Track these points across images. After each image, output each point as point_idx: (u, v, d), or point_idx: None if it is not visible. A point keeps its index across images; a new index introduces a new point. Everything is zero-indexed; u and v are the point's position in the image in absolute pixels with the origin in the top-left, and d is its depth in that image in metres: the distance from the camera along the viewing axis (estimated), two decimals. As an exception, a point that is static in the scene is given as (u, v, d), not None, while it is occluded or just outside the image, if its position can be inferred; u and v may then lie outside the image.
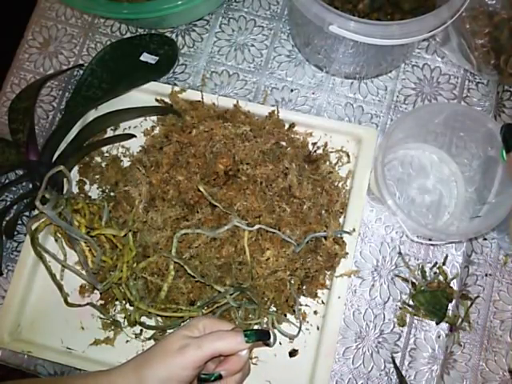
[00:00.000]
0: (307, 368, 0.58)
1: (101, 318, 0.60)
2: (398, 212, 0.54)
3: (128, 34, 0.74)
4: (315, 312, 0.60)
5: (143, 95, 0.67)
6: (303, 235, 0.58)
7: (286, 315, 0.59)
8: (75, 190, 0.64)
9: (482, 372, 0.60)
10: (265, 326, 0.57)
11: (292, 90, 0.70)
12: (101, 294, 0.60)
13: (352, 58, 0.63)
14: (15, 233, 0.66)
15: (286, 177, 0.59)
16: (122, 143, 0.66)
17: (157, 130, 0.66)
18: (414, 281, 0.62)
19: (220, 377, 0.44)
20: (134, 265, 0.58)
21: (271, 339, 0.46)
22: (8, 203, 0.67)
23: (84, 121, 0.66)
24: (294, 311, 0.58)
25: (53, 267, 0.60)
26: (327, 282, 0.60)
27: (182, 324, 0.59)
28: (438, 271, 0.62)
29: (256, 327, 0.57)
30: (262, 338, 0.45)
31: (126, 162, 0.65)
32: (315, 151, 0.65)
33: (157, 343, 0.45)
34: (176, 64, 0.71)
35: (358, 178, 0.62)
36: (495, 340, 0.60)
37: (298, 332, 0.58)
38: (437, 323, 0.60)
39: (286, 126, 0.65)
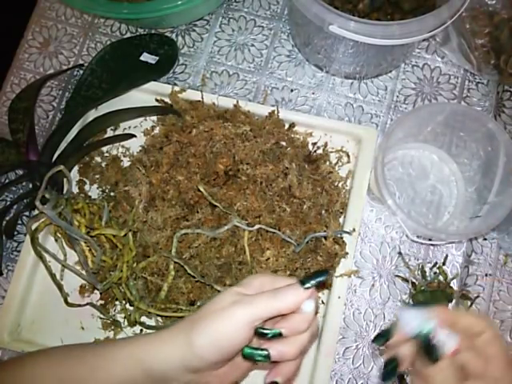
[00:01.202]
0: (307, 368, 0.58)
1: (101, 318, 0.60)
2: (398, 212, 0.54)
3: (128, 34, 0.74)
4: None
5: (143, 95, 0.67)
6: (303, 235, 0.58)
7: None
8: (75, 190, 0.64)
9: (482, 372, 0.60)
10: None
11: (292, 90, 0.70)
12: (101, 294, 0.60)
13: (352, 58, 0.63)
14: (15, 233, 0.66)
15: (286, 177, 0.59)
16: (122, 143, 0.66)
17: (157, 130, 0.66)
18: (413, 281, 0.62)
19: (280, 335, 0.38)
20: (134, 265, 0.58)
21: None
22: (8, 203, 0.67)
23: (84, 121, 0.66)
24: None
25: (53, 267, 0.60)
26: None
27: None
28: (438, 271, 0.62)
29: None
30: (319, 278, 0.39)
31: (126, 162, 0.65)
32: (315, 151, 0.65)
33: (207, 303, 0.40)
34: (176, 64, 0.71)
35: (358, 178, 0.62)
36: (495, 340, 0.60)
37: (298, 332, 0.57)
38: (437, 323, 0.60)
39: (286, 126, 0.65)
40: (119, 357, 0.40)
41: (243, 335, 0.37)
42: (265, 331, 0.38)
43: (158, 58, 0.68)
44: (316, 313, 0.39)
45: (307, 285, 0.38)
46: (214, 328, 0.37)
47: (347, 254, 0.59)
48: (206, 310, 0.39)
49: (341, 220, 0.61)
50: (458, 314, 0.40)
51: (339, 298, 0.58)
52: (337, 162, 0.64)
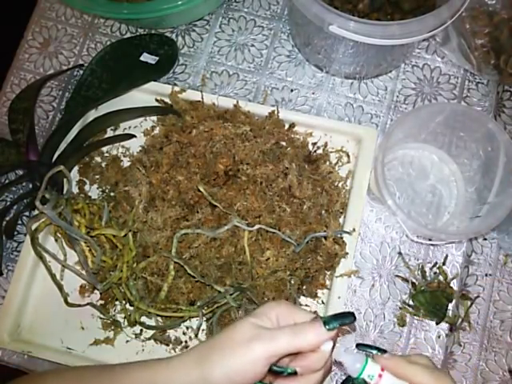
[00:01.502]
0: (307, 368, 0.58)
1: (101, 318, 0.60)
2: (398, 212, 0.54)
3: (128, 34, 0.74)
4: (315, 312, 0.60)
5: (143, 95, 0.67)
6: (303, 235, 0.58)
7: (286, 315, 0.59)
8: (75, 190, 0.64)
9: (482, 372, 0.60)
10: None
11: (292, 90, 0.70)
12: (101, 294, 0.60)
13: (352, 58, 0.63)
14: (15, 233, 0.66)
15: (286, 177, 0.59)
16: (122, 143, 0.66)
17: (157, 130, 0.66)
18: (414, 281, 0.62)
19: (295, 373, 0.38)
20: (134, 265, 0.58)
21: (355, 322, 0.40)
22: (8, 203, 0.67)
23: (84, 121, 0.66)
24: (294, 311, 0.58)
25: (53, 267, 0.60)
26: (327, 282, 0.60)
27: (183, 324, 0.59)
28: (438, 271, 0.62)
29: None
30: (344, 321, 0.38)
31: (126, 162, 0.65)
32: (315, 151, 0.65)
33: (221, 332, 0.39)
34: (176, 64, 0.71)
35: (358, 178, 0.62)
36: (495, 340, 0.60)
37: (298, 332, 0.57)
38: (437, 323, 0.60)
39: (286, 126, 0.65)
40: (133, 380, 0.40)
41: (258, 370, 0.37)
42: (280, 370, 0.38)
43: (158, 58, 0.68)
44: (332, 350, 0.39)
45: (331, 326, 0.37)
46: (231, 362, 0.37)
47: (347, 254, 0.59)
48: (223, 340, 0.38)
49: (341, 220, 0.61)
50: (412, 368, 0.38)
51: (339, 298, 0.58)
52: (337, 162, 0.64)
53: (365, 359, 0.38)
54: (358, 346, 0.40)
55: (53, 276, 0.59)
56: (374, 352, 0.39)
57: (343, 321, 0.38)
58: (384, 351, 0.39)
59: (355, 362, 0.38)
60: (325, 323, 0.38)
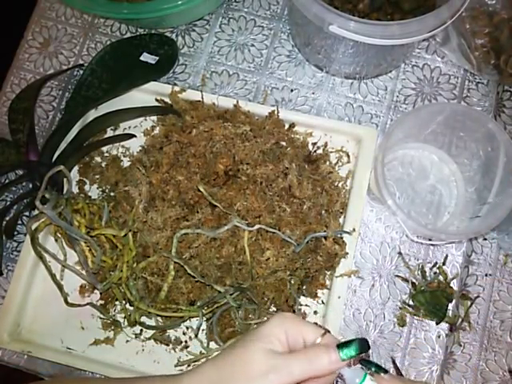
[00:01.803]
0: (307, 368, 0.58)
1: (101, 318, 0.60)
2: (398, 212, 0.54)
3: (128, 34, 0.74)
4: (315, 312, 0.60)
5: (143, 95, 0.67)
6: (303, 235, 0.58)
7: (286, 315, 0.59)
8: (75, 190, 0.64)
9: (482, 372, 0.60)
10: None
11: (292, 90, 0.70)
12: (101, 294, 0.60)
13: (352, 58, 0.63)
14: (15, 233, 0.66)
15: (286, 177, 0.59)
16: (122, 143, 0.66)
17: (157, 130, 0.66)
18: (414, 281, 0.62)
19: None
20: (134, 265, 0.58)
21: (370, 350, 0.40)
22: (8, 203, 0.67)
23: (84, 121, 0.66)
24: (294, 311, 0.58)
25: (53, 267, 0.60)
26: (327, 282, 0.60)
27: (183, 324, 0.59)
28: (438, 271, 0.62)
29: None
30: (361, 352, 0.38)
31: (126, 162, 0.65)
32: (315, 151, 0.65)
33: (234, 360, 0.38)
34: (176, 64, 0.71)
35: (358, 178, 0.62)
36: (495, 340, 0.60)
37: (298, 332, 0.57)
38: (437, 323, 0.60)
39: (286, 126, 0.65)
40: None
41: None
42: None
43: (157, 58, 0.68)
44: None
45: (347, 357, 0.37)
46: None
47: (347, 254, 0.59)
48: (237, 372, 0.37)
49: (341, 220, 0.61)
50: None
51: (339, 297, 0.58)
52: (337, 162, 0.64)
53: (363, 375, 0.38)
54: (361, 361, 0.40)
55: (53, 276, 0.59)
56: (373, 369, 0.39)
57: (359, 351, 0.38)
58: (385, 371, 0.39)
59: (355, 377, 0.38)
60: (340, 349, 0.38)
